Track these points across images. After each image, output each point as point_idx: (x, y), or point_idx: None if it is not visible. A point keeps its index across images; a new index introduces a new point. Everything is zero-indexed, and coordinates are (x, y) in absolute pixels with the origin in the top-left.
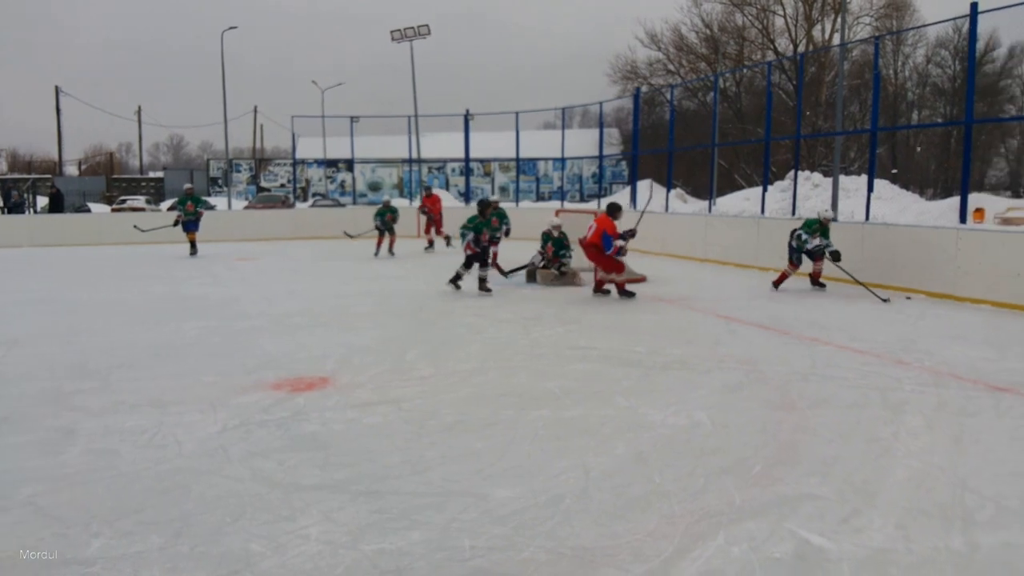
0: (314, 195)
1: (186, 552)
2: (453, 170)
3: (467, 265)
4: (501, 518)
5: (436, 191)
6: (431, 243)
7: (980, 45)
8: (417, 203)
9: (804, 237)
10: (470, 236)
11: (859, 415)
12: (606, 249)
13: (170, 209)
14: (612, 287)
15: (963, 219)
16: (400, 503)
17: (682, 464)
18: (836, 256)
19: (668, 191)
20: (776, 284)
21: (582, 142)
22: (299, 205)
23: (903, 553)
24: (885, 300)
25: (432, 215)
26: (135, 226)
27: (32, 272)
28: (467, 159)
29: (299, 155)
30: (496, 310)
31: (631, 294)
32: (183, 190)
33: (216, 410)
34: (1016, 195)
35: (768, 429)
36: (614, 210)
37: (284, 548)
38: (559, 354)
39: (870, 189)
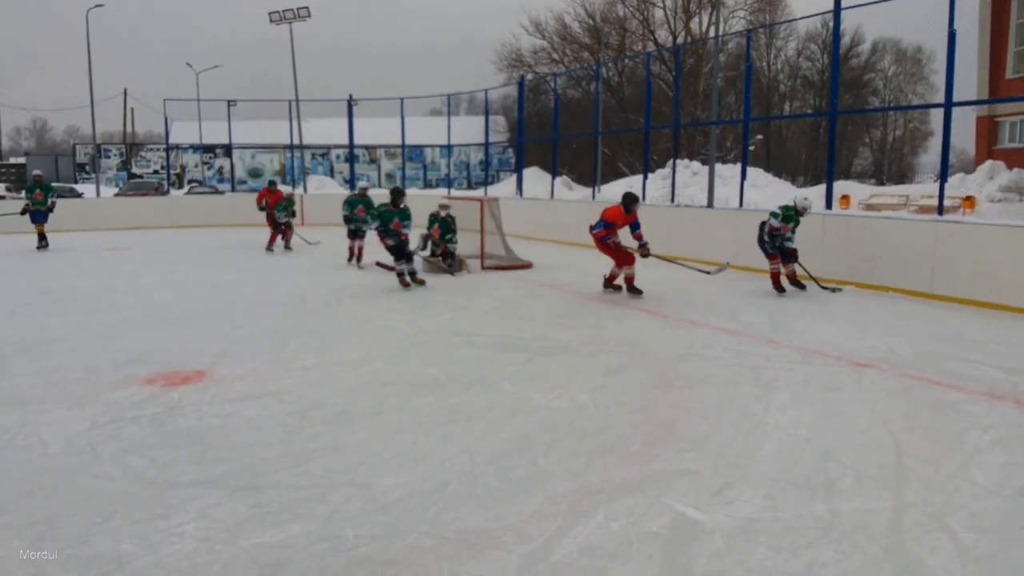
0: (190, 182)
1: (53, 556)
2: (338, 156)
3: (398, 258)
4: (385, 506)
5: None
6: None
7: (845, 40)
8: (300, 191)
9: (776, 212)
10: (375, 224)
11: (732, 392)
12: (594, 228)
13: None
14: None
15: (829, 205)
16: (281, 496)
17: (565, 445)
18: (792, 255)
19: (553, 178)
20: (777, 288)
21: (469, 129)
22: (174, 192)
23: (771, 521)
24: (836, 290)
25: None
26: None
27: None
28: (351, 145)
29: (173, 140)
30: (382, 299)
31: (638, 291)
32: (31, 177)
33: (84, 407)
34: (880, 183)
35: (647, 408)
36: (628, 201)
37: (157, 547)
38: (445, 341)
39: (743, 177)
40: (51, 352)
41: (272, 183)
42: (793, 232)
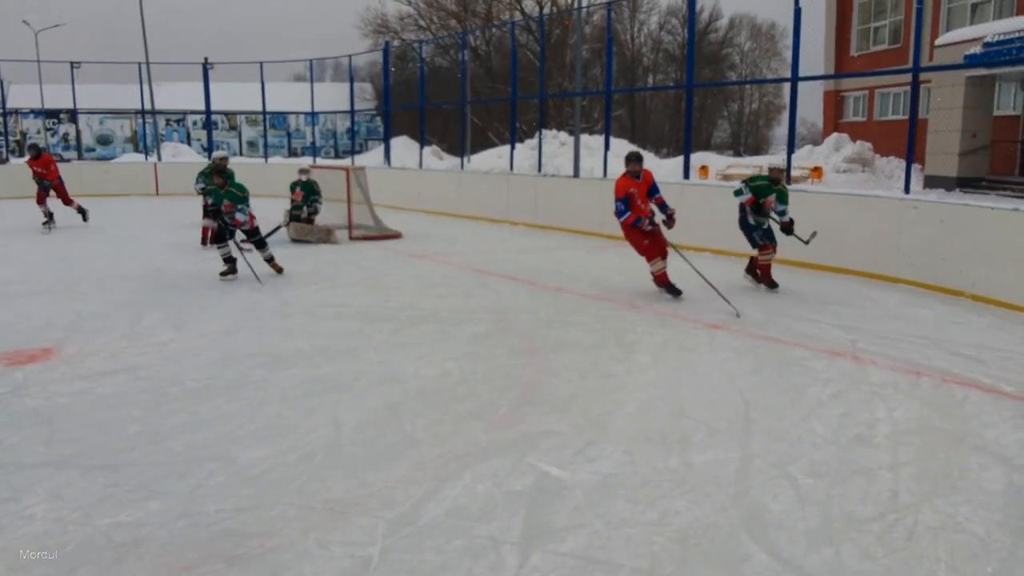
0: (31, 148)
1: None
2: (195, 123)
3: (216, 242)
4: (250, 479)
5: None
6: (50, 216)
7: (703, 16)
8: (153, 158)
9: (739, 188)
10: (210, 200)
11: (596, 356)
12: (619, 216)
13: None
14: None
15: (687, 175)
16: (138, 474)
17: (432, 412)
18: (789, 228)
19: (421, 147)
20: (767, 283)
21: (336, 96)
22: (13, 160)
23: (629, 476)
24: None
25: (49, 181)
26: None
27: None
28: (208, 111)
29: (11, 104)
30: (245, 271)
31: (676, 291)
32: None
33: None
34: (737, 154)
35: (513, 374)
36: (627, 161)
37: (4, 530)
38: (311, 313)
39: (607, 147)
40: None
41: (34, 146)
42: (784, 203)
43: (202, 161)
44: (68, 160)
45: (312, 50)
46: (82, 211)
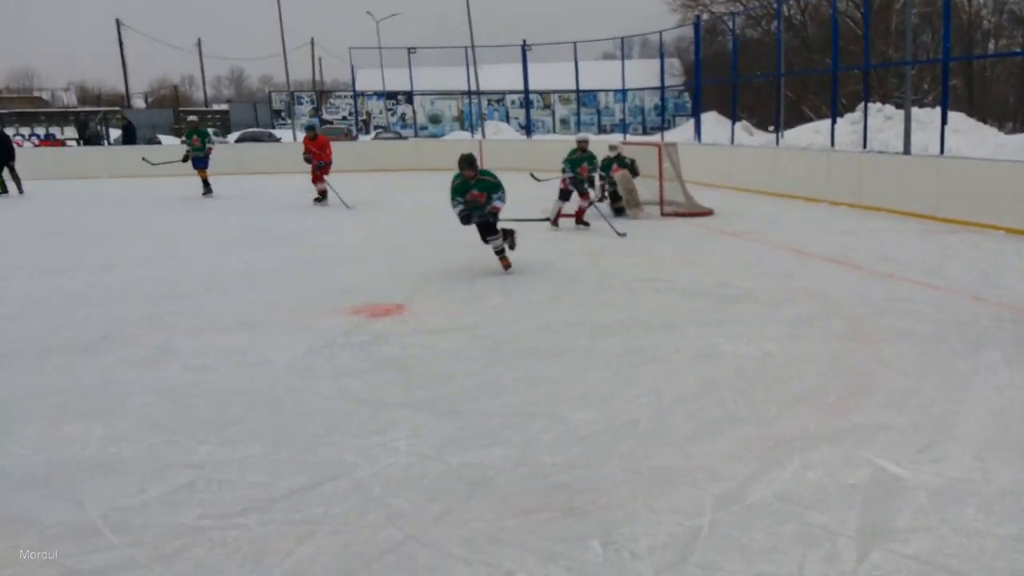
0: (376, 128)
1: (286, 459)
2: (512, 102)
3: (484, 234)
4: (579, 439)
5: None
6: (323, 194)
7: None
8: (478, 135)
9: None
10: (458, 208)
11: (935, 349)
12: None
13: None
14: None
15: None
16: (481, 422)
17: (754, 392)
18: None
19: (733, 123)
20: None
21: (643, 72)
22: (362, 138)
23: (981, 484)
24: None
25: (322, 162)
26: (144, 159)
27: (113, 203)
28: (526, 91)
29: (358, 87)
30: (564, 243)
31: None
32: (187, 122)
33: (301, 333)
34: None
35: (841, 360)
36: None
37: (376, 459)
38: (628, 286)
39: (944, 122)
40: (268, 282)
41: (311, 127)
42: None
43: (519, 139)
44: (406, 138)
45: (620, 27)
46: (324, 194)
